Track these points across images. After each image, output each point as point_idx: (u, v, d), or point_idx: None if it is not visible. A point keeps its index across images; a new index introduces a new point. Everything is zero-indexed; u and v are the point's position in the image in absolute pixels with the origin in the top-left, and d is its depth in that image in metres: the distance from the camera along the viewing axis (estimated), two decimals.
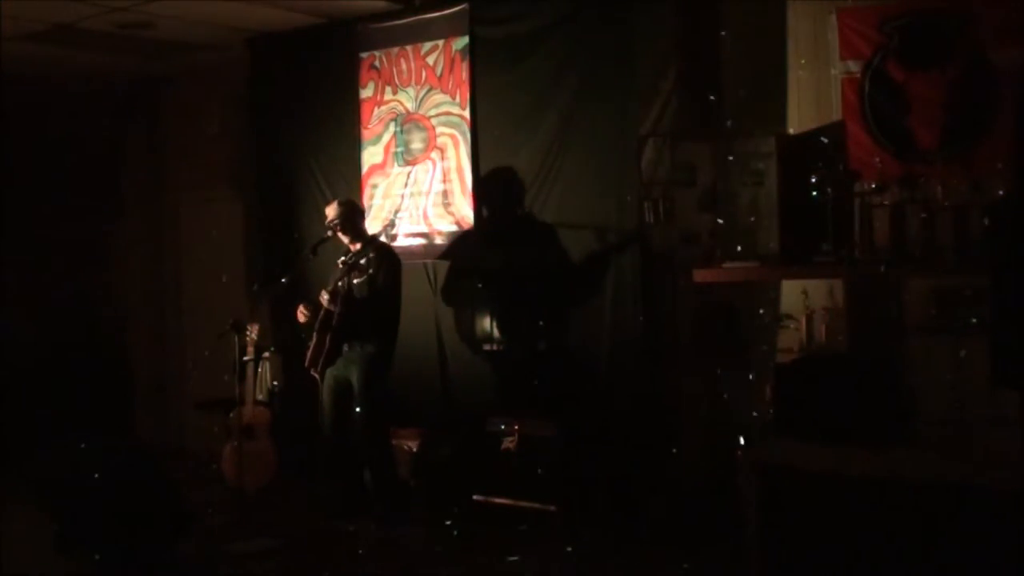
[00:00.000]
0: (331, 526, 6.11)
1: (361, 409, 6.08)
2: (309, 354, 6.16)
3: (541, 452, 6.00)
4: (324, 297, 6.09)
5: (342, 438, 6.20)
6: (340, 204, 6.40)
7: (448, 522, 5.99)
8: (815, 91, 5.61)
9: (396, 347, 6.30)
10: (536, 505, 5.96)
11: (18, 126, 8.53)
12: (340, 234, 6.28)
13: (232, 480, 6.65)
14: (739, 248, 5.38)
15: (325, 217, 6.40)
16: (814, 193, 5.11)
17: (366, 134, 7.25)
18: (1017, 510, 3.84)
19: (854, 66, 5.40)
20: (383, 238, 6.75)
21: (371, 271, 6.08)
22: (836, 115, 5.45)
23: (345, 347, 6.15)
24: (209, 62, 8.13)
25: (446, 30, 6.77)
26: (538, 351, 6.40)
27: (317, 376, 6.22)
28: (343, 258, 6.30)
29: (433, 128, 6.91)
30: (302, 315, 6.21)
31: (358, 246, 6.28)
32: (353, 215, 6.33)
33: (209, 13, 6.89)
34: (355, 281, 6.09)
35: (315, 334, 6.11)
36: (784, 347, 5.48)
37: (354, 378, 6.13)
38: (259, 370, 7.16)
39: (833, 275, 5.26)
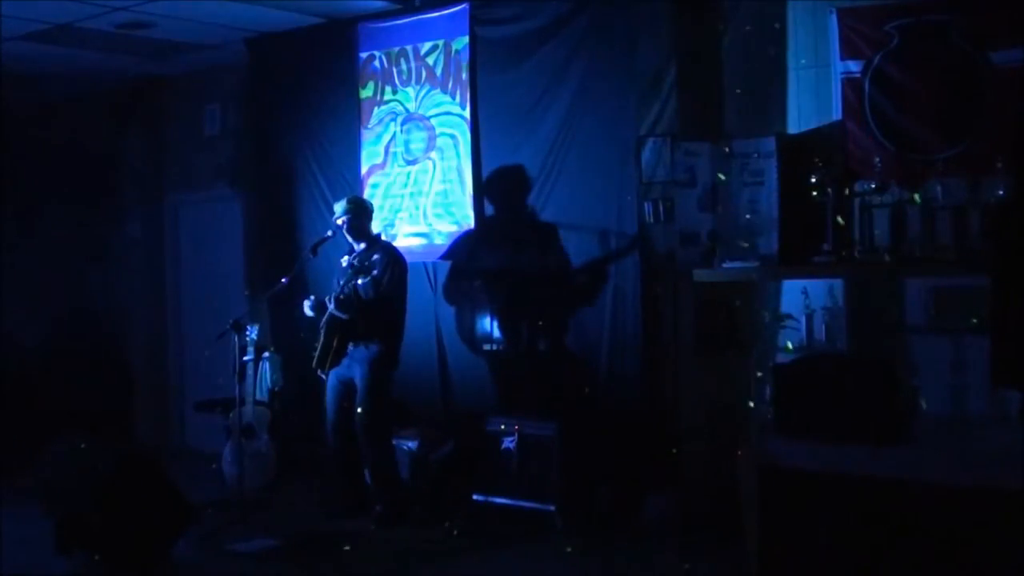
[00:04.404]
0: (331, 526, 6.11)
1: (363, 409, 6.07)
2: (317, 355, 6.15)
3: (541, 452, 6.00)
4: (330, 306, 6.07)
5: (344, 438, 6.20)
6: (349, 201, 6.35)
7: (448, 522, 5.99)
8: (815, 91, 5.61)
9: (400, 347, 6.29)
10: (536, 505, 5.96)
11: (18, 126, 8.53)
12: (345, 233, 6.26)
13: (232, 480, 6.65)
14: (739, 248, 5.40)
15: (332, 214, 6.39)
16: (814, 193, 5.12)
17: (366, 134, 7.25)
18: (1017, 510, 3.84)
19: (854, 66, 5.40)
20: (383, 238, 6.74)
21: (376, 273, 6.07)
22: (836, 115, 5.46)
23: (351, 346, 6.14)
24: (209, 62, 8.13)
25: (446, 30, 6.77)
26: (538, 351, 6.41)
27: (324, 377, 6.22)
28: (347, 258, 6.29)
29: (433, 128, 6.90)
30: (309, 309, 6.20)
31: (363, 246, 6.27)
32: (360, 214, 6.29)
33: (209, 13, 6.88)
34: (360, 282, 6.08)
35: (323, 335, 6.11)
36: (784, 347, 5.49)
37: (358, 378, 6.13)
38: (259, 370, 7.16)
39: (833, 275, 5.27)
